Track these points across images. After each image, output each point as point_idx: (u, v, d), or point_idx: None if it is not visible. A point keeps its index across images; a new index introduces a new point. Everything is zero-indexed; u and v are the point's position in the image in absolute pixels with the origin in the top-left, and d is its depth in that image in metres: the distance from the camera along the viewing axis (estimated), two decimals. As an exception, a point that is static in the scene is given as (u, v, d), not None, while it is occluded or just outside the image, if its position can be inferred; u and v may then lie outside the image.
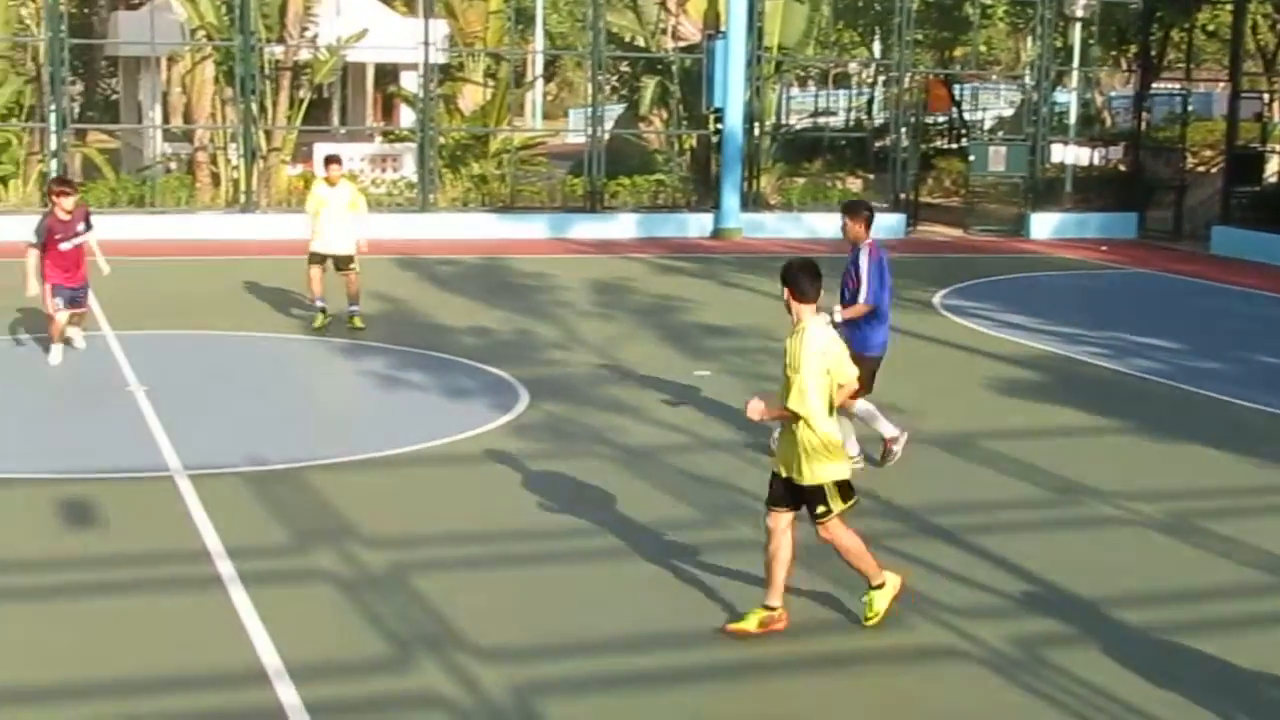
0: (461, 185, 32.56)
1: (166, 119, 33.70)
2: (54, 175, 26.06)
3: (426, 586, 9.92)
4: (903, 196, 33.67)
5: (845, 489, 9.15)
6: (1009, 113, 48.76)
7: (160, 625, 9.22)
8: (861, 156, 38.15)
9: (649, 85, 35.39)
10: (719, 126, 32.13)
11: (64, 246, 16.81)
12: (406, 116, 37.36)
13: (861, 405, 12.79)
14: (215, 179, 31.62)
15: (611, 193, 32.54)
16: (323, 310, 19.12)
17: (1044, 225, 33.12)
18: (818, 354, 8.84)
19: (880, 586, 9.28)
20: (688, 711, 8.28)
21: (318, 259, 19.12)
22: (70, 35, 29.86)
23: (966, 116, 44.70)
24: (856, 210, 12.94)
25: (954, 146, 41.83)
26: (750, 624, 9.13)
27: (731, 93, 31.11)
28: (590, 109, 33.27)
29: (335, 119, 38.02)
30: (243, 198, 30.30)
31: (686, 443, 13.93)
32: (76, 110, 35.77)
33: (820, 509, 9.07)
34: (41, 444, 13.71)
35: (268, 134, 31.01)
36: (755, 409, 9.04)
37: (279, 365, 17.65)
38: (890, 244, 31.10)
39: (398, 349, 18.04)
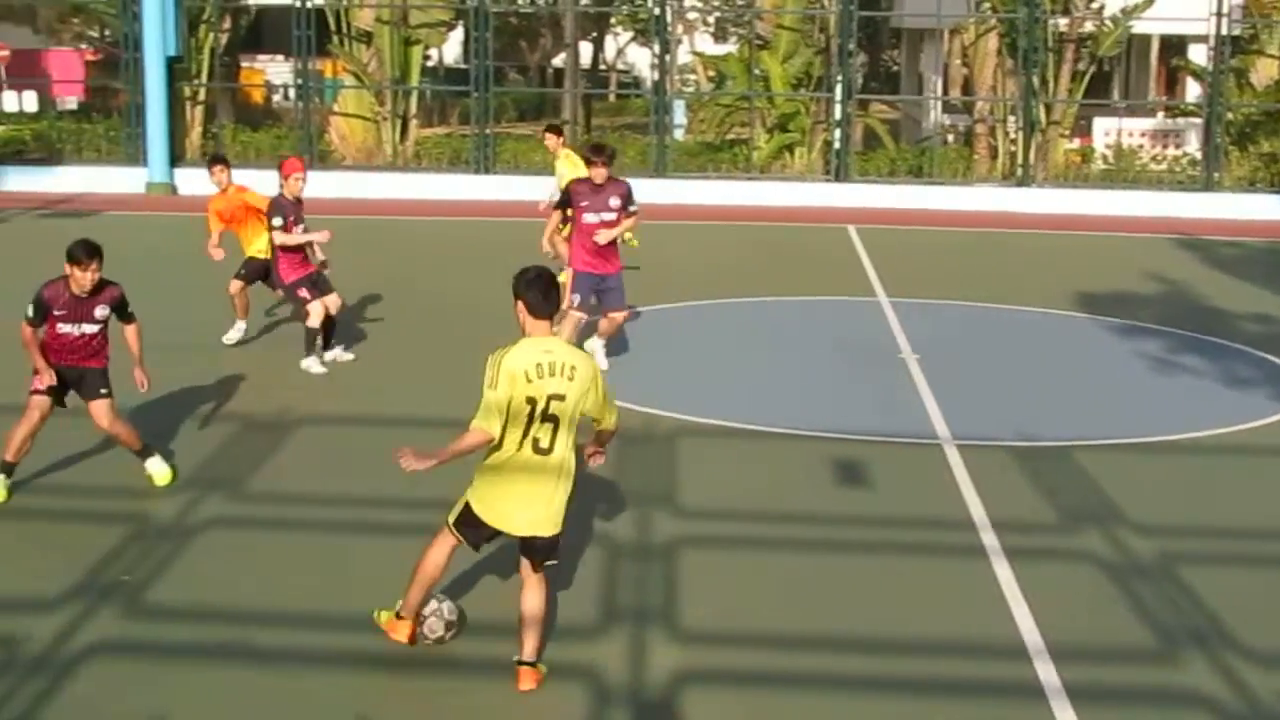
0: (1249, 164, 31.16)
1: (946, 90, 34.25)
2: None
3: (1195, 579, 9.53)
4: None
5: (467, 519, 7.99)
6: None
7: (922, 589, 9.39)
8: None
9: None
10: None
11: (589, 218, 14.15)
12: (1192, 91, 36.12)
13: None
14: (993, 151, 31.82)
15: None
16: None
17: None
18: (514, 373, 7.65)
19: (398, 614, 8.25)
20: None
21: None
22: (858, 8, 30.88)
23: None
24: None
25: None
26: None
27: None
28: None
29: (1116, 93, 37.37)
30: (1019, 171, 30.36)
31: None
32: (860, 81, 36.99)
33: (452, 515, 8.12)
34: (820, 403, 14.25)
35: (1047, 107, 30.85)
36: (408, 461, 7.71)
37: (1046, 340, 17.49)
38: None
39: (1172, 331, 17.48)
